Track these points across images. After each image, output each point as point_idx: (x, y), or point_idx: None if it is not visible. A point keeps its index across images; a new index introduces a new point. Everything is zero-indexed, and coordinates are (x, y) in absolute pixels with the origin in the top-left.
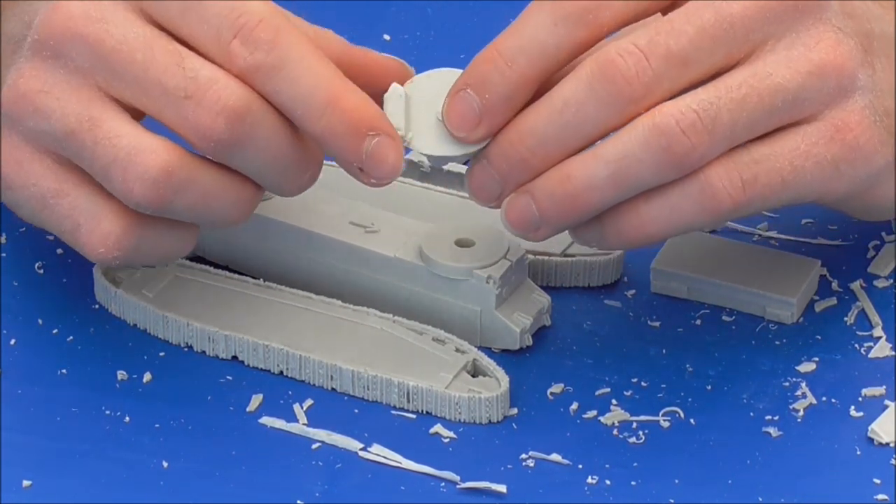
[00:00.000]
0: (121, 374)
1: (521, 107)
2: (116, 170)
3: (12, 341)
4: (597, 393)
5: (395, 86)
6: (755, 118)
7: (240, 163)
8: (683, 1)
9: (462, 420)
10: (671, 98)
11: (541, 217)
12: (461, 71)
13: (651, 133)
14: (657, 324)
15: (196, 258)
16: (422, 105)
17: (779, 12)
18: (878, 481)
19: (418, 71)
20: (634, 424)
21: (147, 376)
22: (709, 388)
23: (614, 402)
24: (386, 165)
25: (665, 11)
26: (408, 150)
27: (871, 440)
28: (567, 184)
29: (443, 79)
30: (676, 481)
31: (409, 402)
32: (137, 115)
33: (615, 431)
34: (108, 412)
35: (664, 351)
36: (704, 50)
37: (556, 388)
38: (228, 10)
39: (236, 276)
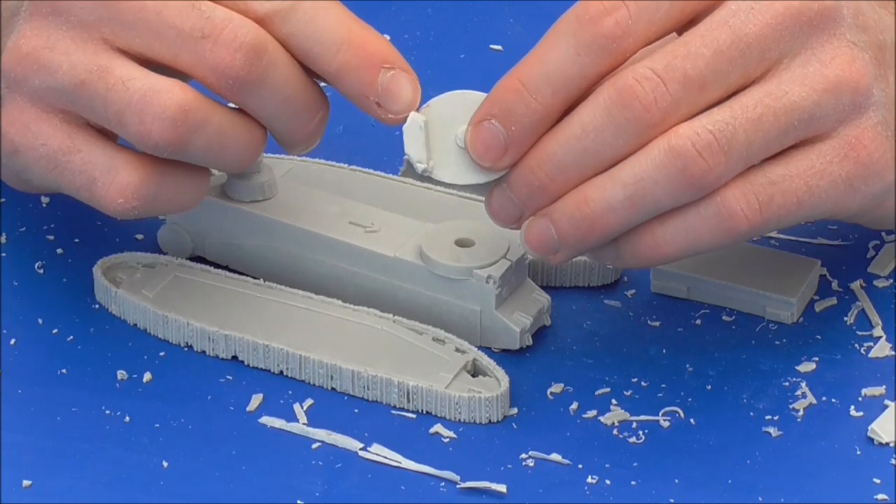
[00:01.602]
0: (121, 374)
1: (544, 134)
2: (132, 113)
3: (12, 341)
4: (597, 393)
5: (413, 115)
6: (771, 137)
7: (255, 102)
8: (701, 17)
9: (462, 420)
10: (687, 119)
11: (560, 240)
12: (476, 93)
13: (667, 155)
14: (657, 324)
15: (196, 258)
16: (440, 132)
17: (794, 30)
18: (878, 481)
19: (427, 90)
20: (634, 424)
21: (147, 376)
22: (709, 388)
23: (614, 402)
24: (402, 97)
25: (681, 30)
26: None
27: (871, 440)
28: (585, 207)
29: (459, 102)
30: (676, 481)
31: (409, 401)
32: (144, 64)
33: (615, 431)
34: (108, 412)
35: (664, 351)
36: (721, 72)
37: (556, 388)
38: None
39: (236, 276)
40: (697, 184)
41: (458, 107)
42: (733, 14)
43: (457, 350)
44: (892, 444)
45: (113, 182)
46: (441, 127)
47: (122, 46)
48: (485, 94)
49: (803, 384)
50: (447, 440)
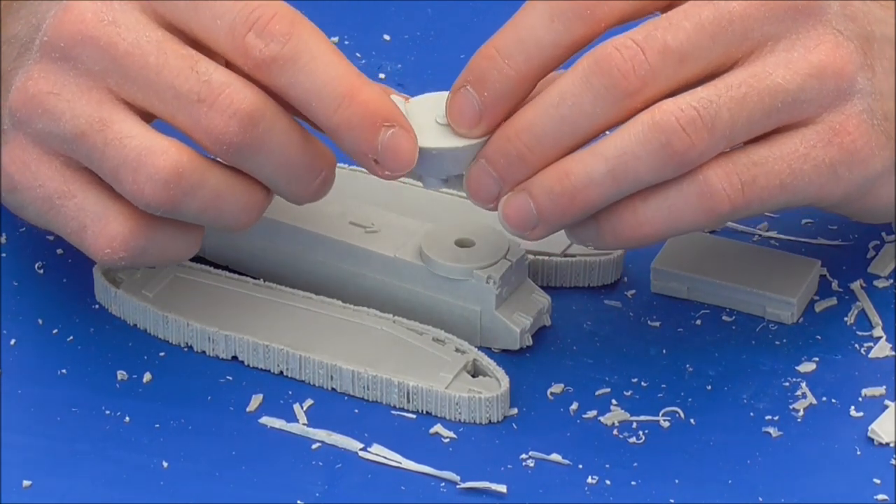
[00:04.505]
0: (121, 374)
1: (520, 103)
2: (127, 171)
3: (12, 341)
4: (597, 393)
5: (393, 97)
6: (754, 118)
7: (252, 166)
8: (682, 0)
9: (462, 420)
10: (668, 95)
11: (538, 215)
12: None
13: (651, 130)
14: (657, 324)
15: (196, 258)
16: (421, 113)
17: (778, 13)
18: (878, 481)
19: (427, 90)
20: (634, 424)
21: (147, 376)
22: (709, 388)
23: (614, 402)
24: (401, 157)
25: (664, 11)
26: None
27: (871, 440)
28: (565, 180)
29: (442, 99)
30: (676, 481)
31: (409, 402)
32: (148, 117)
33: (615, 431)
34: (108, 412)
35: (664, 351)
36: (702, 47)
37: (556, 388)
38: (241, 4)
39: (236, 276)
40: (680, 159)
41: (438, 101)
42: None
43: (457, 350)
44: (892, 444)
45: (102, 231)
46: (422, 113)
47: (127, 99)
48: None
49: (803, 384)
50: (447, 440)
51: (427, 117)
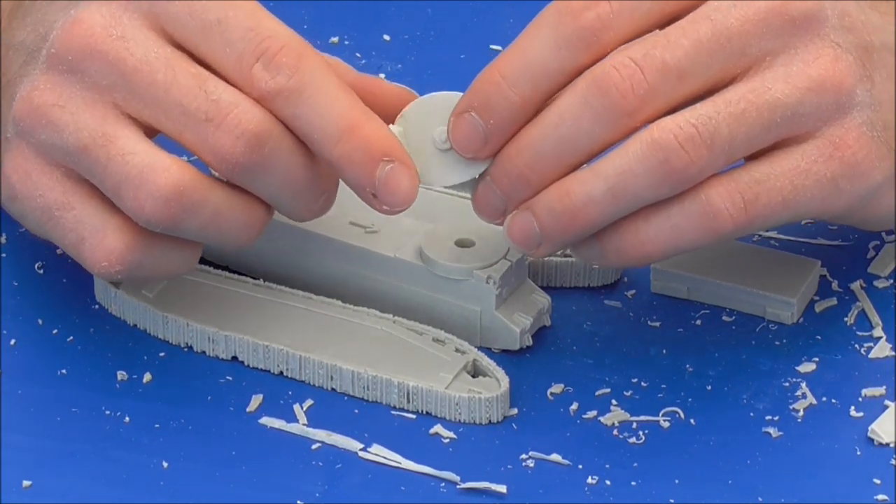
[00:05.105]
0: (121, 374)
1: (524, 126)
2: (128, 187)
3: (12, 341)
4: (597, 393)
5: (389, 127)
6: (754, 133)
7: (256, 186)
8: (683, 16)
9: (462, 420)
10: (667, 112)
11: (542, 233)
12: (447, 93)
13: (649, 148)
14: (657, 324)
15: None
16: (418, 137)
17: (776, 27)
18: (878, 481)
19: (427, 90)
20: (634, 424)
21: (147, 376)
22: (709, 388)
23: (614, 402)
24: (399, 193)
25: (663, 28)
26: None
27: (871, 440)
28: (566, 199)
29: (432, 105)
30: (676, 481)
31: (409, 402)
32: (152, 133)
33: (615, 431)
34: (108, 412)
35: (664, 351)
36: (700, 63)
37: (556, 388)
38: (252, 34)
39: (236, 276)
40: (679, 177)
41: (432, 109)
42: (715, 9)
43: (457, 350)
44: (892, 445)
45: (99, 244)
46: (418, 132)
47: (132, 114)
48: (455, 93)
49: (803, 384)
50: (447, 440)
51: (424, 140)
